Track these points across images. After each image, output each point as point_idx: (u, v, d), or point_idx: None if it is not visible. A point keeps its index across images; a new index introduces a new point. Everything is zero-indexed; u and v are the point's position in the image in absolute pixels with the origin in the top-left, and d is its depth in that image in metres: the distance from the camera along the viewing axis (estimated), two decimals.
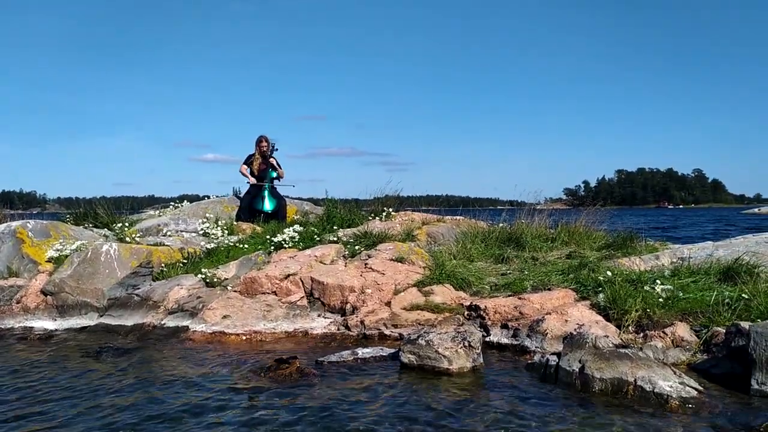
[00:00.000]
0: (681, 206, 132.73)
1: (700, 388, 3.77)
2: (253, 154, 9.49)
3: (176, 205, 10.58)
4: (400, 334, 5.21)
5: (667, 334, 4.59)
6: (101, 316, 6.21)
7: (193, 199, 11.06)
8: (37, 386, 4.11)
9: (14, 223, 7.62)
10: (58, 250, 7.10)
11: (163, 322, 5.89)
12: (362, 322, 5.52)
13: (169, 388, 4.03)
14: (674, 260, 6.51)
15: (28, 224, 7.56)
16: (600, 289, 5.38)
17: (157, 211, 10.48)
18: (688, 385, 3.74)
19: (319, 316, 5.97)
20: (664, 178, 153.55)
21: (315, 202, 10.92)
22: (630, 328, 4.82)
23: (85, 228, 8.36)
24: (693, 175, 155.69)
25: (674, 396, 3.63)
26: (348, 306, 5.89)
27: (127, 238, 7.46)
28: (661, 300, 4.95)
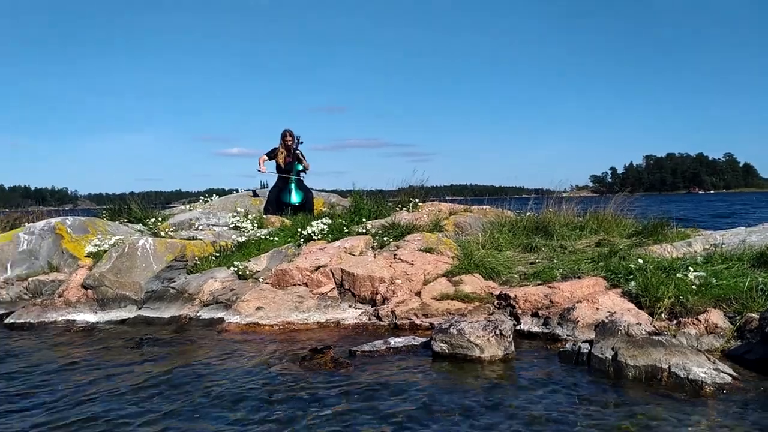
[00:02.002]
0: (712, 191, 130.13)
1: (735, 374, 3.77)
2: (278, 148, 9.58)
3: (206, 199, 10.79)
4: (431, 324, 5.27)
5: (700, 321, 4.58)
6: (139, 308, 6.39)
7: (219, 192, 11.26)
8: (86, 375, 4.27)
9: (53, 220, 7.86)
10: (96, 245, 7.31)
11: (198, 314, 6.05)
12: (393, 312, 5.60)
13: (210, 376, 4.17)
14: (707, 247, 6.45)
15: (66, 221, 7.80)
16: (631, 276, 5.37)
17: (188, 206, 10.71)
18: (722, 372, 3.74)
19: (349, 306, 6.06)
20: (694, 163, 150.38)
21: (340, 194, 11.03)
22: (663, 315, 4.81)
23: (121, 223, 8.57)
24: (724, 159, 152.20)
25: (709, 382, 3.63)
26: (378, 296, 5.97)
27: (161, 233, 7.65)
28: (694, 287, 4.93)
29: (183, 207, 10.77)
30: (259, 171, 9.63)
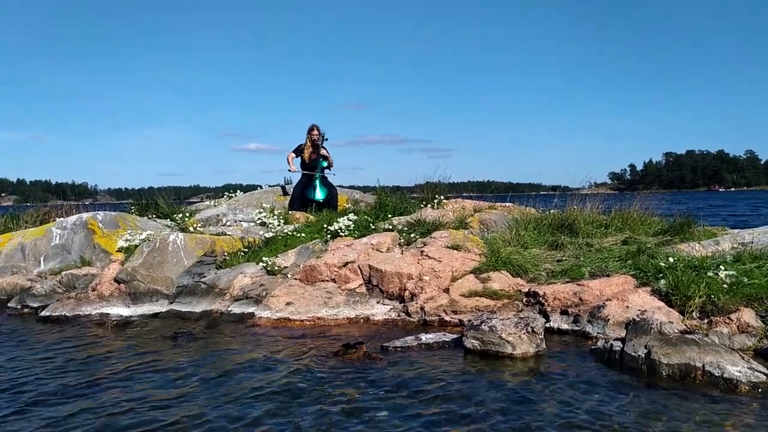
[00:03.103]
0: (732, 189, 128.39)
1: None
2: (304, 144, 9.63)
3: (230, 195, 10.92)
4: (460, 320, 5.33)
5: (732, 320, 4.58)
6: (171, 303, 6.52)
7: (238, 188, 11.40)
8: (126, 367, 4.39)
9: (85, 215, 8.02)
10: (127, 240, 7.45)
11: (229, 309, 6.15)
12: (422, 308, 5.66)
13: (246, 370, 4.26)
14: (735, 245, 6.43)
15: (98, 216, 7.96)
16: (661, 275, 5.38)
17: (212, 201, 10.86)
18: (757, 370, 3.76)
19: (378, 302, 6.13)
20: (714, 161, 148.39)
21: (362, 190, 11.11)
22: (694, 314, 4.82)
23: (149, 219, 8.72)
24: (745, 156, 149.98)
25: (743, 381, 3.65)
26: (406, 293, 6.03)
27: (190, 228, 7.78)
28: (725, 286, 4.94)
29: (207, 203, 10.92)
30: (290, 171, 9.70)
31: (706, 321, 4.73)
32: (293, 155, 9.67)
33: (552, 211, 8.37)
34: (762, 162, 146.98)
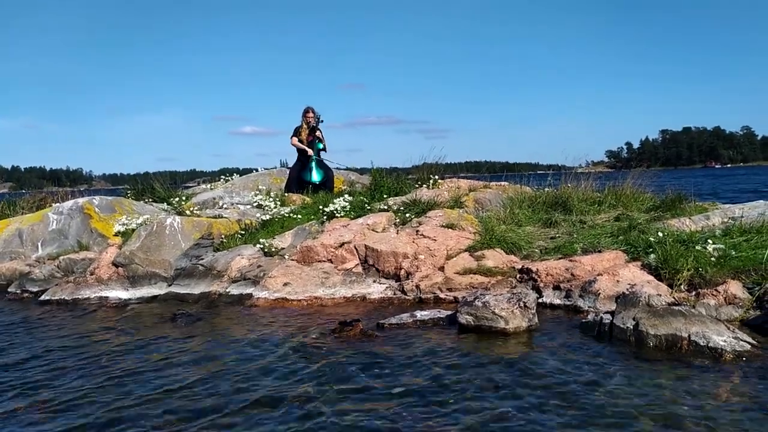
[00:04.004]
0: (729, 165, 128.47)
1: (754, 342, 3.89)
2: (300, 126, 9.65)
3: (227, 178, 10.97)
4: (455, 297, 5.43)
5: (719, 292, 4.69)
6: (169, 285, 6.60)
7: (234, 172, 11.44)
8: (129, 346, 4.50)
9: (81, 200, 8.08)
10: (124, 224, 7.51)
11: (228, 290, 6.24)
12: (417, 286, 5.76)
13: (245, 346, 4.38)
14: (725, 220, 6.52)
15: (94, 200, 8.01)
16: (651, 249, 5.47)
17: (209, 185, 10.90)
18: (741, 340, 3.87)
19: (374, 282, 6.22)
20: (711, 137, 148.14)
21: (356, 171, 11.16)
22: (682, 287, 4.92)
23: (146, 203, 8.78)
24: (741, 132, 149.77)
25: (728, 350, 3.76)
26: (402, 272, 6.12)
27: (187, 212, 7.84)
28: (713, 259, 5.03)
29: (204, 186, 10.97)
30: (308, 155, 9.53)
31: (693, 293, 4.83)
32: (296, 139, 9.61)
33: (546, 189, 8.45)
34: (759, 138, 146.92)
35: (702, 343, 3.85)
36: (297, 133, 9.60)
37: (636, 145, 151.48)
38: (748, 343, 3.86)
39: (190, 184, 12.71)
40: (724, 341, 3.83)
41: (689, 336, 3.91)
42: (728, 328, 3.99)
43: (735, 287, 4.70)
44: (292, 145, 9.68)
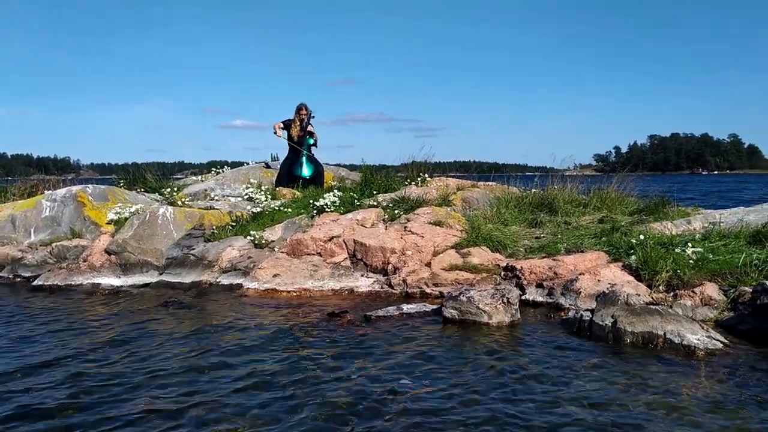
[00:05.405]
0: (715, 172, 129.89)
1: (726, 341, 4.07)
2: (293, 120, 9.72)
3: (218, 171, 11.04)
4: (441, 292, 5.57)
5: (696, 294, 4.86)
6: (161, 273, 6.69)
7: (223, 164, 11.51)
8: (121, 330, 4.59)
9: (75, 188, 8.13)
10: (117, 213, 7.59)
11: (218, 280, 6.35)
12: (404, 281, 5.89)
13: (234, 332, 4.52)
14: (706, 225, 6.70)
15: (87, 189, 8.07)
16: (632, 251, 5.65)
17: (200, 177, 10.97)
18: (714, 339, 4.04)
19: (362, 275, 6.35)
20: (698, 144, 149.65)
21: (350, 168, 11.27)
22: (660, 287, 5.10)
23: (138, 192, 8.84)
24: (728, 140, 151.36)
25: (701, 348, 3.93)
26: (390, 266, 6.25)
27: (179, 202, 7.92)
28: (691, 262, 5.21)
29: (194, 178, 11.02)
30: (275, 135, 9.68)
31: (671, 294, 5.00)
32: (281, 124, 9.67)
33: (533, 190, 8.62)
34: (745, 146, 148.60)
35: (676, 341, 4.01)
36: (288, 126, 9.66)
37: (624, 149, 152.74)
38: (721, 342, 4.03)
39: (179, 176, 12.74)
40: (698, 339, 4.00)
41: (665, 334, 4.07)
42: (702, 328, 4.17)
43: (711, 289, 4.88)
44: (273, 127, 9.67)
